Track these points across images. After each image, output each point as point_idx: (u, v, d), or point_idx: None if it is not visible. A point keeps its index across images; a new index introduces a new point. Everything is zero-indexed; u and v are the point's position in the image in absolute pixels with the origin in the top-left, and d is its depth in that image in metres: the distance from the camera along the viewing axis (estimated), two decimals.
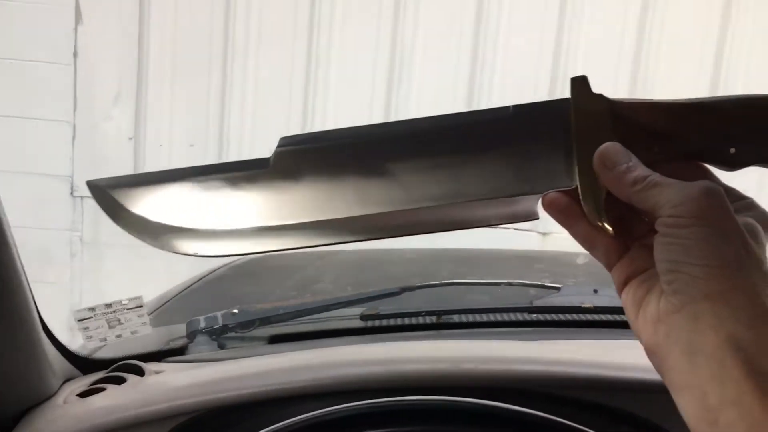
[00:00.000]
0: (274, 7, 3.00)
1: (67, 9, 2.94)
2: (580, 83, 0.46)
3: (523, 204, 0.46)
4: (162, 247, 0.47)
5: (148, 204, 0.46)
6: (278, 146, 0.47)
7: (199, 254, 0.46)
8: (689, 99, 0.46)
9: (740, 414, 0.37)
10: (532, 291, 1.17)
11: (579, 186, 0.45)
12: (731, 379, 0.38)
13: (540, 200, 0.47)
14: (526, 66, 2.99)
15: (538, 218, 0.47)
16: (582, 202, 0.45)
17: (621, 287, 0.46)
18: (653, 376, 0.43)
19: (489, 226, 0.47)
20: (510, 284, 1.14)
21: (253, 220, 0.46)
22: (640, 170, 0.43)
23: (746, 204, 0.45)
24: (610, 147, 0.44)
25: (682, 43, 2.99)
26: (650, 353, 0.43)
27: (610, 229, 0.45)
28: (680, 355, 0.40)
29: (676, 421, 0.42)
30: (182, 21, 2.99)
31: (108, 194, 0.47)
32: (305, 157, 0.46)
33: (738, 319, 0.38)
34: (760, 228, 0.43)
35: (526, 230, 2.91)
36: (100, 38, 2.98)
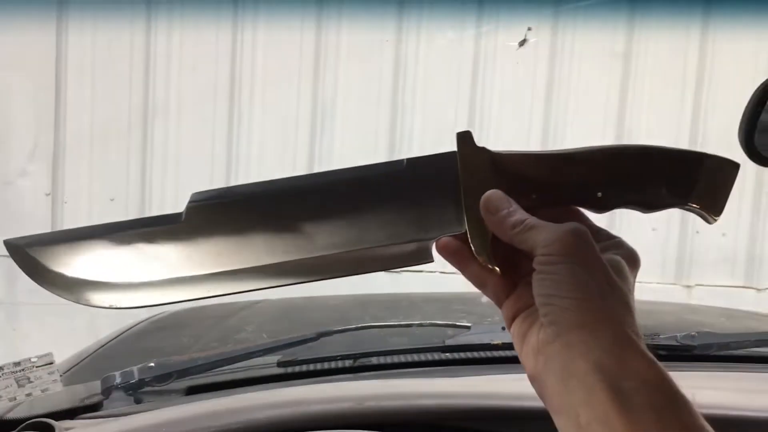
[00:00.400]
0: (195, 67, 3.03)
1: None
2: (464, 137, 0.51)
3: (418, 249, 0.51)
4: (79, 301, 0.49)
5: (65, 260, 0.49)
6: (190, 201, 0.50)
7: (114, 306, 0.48)
8: (561, 150, 0.52)
9: (606, 430, 0.42)
10: (449, 331, 1.22)
11: (468, 230, 0.50)
12: (598, 400, 0.42)
13: (434, 245, 0.51)
14: (444, 114, 3.11)
15: (433, 261, 0.51)
16: (471, 244, 0.50)
17: (509, 322, 0.50)
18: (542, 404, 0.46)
19: (388, 269, 0.51)
20: (422, 325, 1.18)
21: (167, 272, 0.49)
22: (519, 215, 0.48)
23: (615, 243, 0.50)
24: (492, 194, 0.49)
25: (588, 94, 3.17)
26: (532, 381, 0.48)
27: (497, 269, 0.50)
28: (556, 381, 0.45)
29: None
30: (101, 77, 2.97)
31: (25, 252, 0.49)
32: (215, 211, 0.50)
33: (602, 346, 0.43)
34: (624, 264, 0.48)
35: (451, 273, 2.96)
36: (15, 94, 2.93)
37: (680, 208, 0.52)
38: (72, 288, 0.48)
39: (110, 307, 0.48)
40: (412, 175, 0.51)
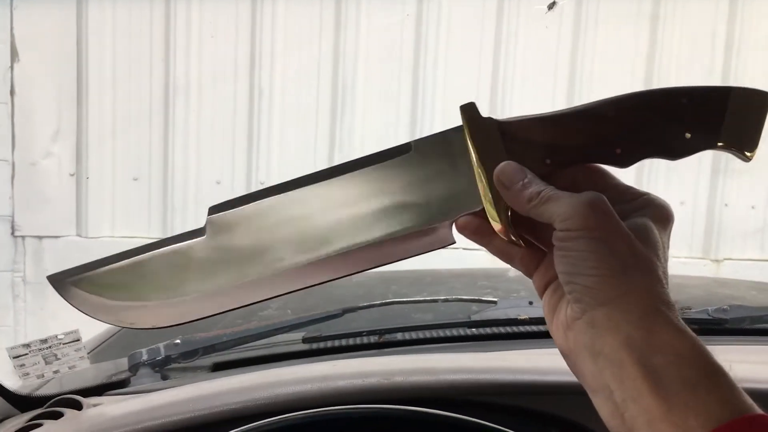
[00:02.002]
0: (215, 41, 3.02)
1: (2, 47, 2.90)
2: (469, 110, 0.49)
3: (438, 232, 0.49)
4: (122, 325, 0.49)
5: (103, 287, 0.49)
6: (208, 215, 0.50)
7: (157, 326, 0.49)
8: (571, 108, 0.48)
9: (639, 409, 0.40)
10: (475, 306, 1.20)
11: (485, 207, 0.47)
12: (629, 378, 0.40)
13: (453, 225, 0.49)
14: (466, 87, 3.07)
15: (454, 242, 0.50)
16: (490, 221, 0.47)
17: (541, 293, 0.48)
18: (574, 378, 0.45)
19: (411, 257, 0.50)
20: (447, 300, 1.17)
21: (199, 287, 0.48)
22: (535, 186, 0.46)
23: (643, 201, 0.47)
24: (505, 167, 0.47)
25: (614, 61, 3.11)
26: (564, 356, 0.46)
27: (521, 242, 0.47)
28: (587, 357, 0.43)
29: (600, 421, 0.43)
30: (122, 54, 2.97)
31: (67, 285, 0.50)
32: (233, 222, 0.49)
33: (630, 321, 0.41)
34: (652, 226, 0.45)
35: (475, 249, 2.95)
36: (38, 75, 2.94)
37: (711, 149, 0.48)
38: (114, 313, 0.49)
39: (153, 328, 0.49)
40: (421, 156, 0.49)
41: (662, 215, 0.46)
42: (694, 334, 0.41)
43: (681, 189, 3.10)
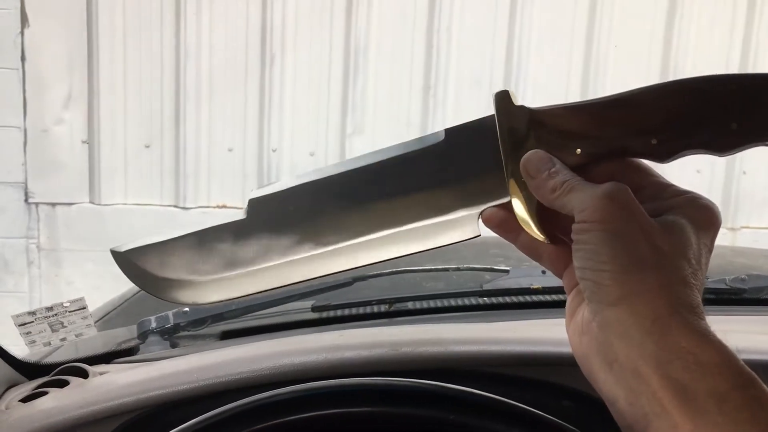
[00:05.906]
0: (226, 5, 2.98)
1: (12, 12, 2.88)
2: (501, 98, 0.47)
3: (464, 223, 0.48)
4: (166, 299, 0.52)
5: (154, 263, 0.52)
6: (249, 201, 0.51)
7: (198, 303, 0.51)
8: (606, 96, 0.46)
9: (663, 425, 0.37)
10: (487, 275, 1.19)
11: (511, 198, 0.46)
12: (648, 390, 0.37)
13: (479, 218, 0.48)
14: (480, 53, 3.02)
15: (479, 235, 0.49)
16: (516, 213, 0.46)
17: (569, 294, 0.46)
18: None
19: (437, 247, 0.49)
20: (459, 269, 1.15)
21: (239, 266, 0.50)
22: (561, 176, 0.43)
23: (685, 200, 0.43)
24: (532, 155, 0.45)
25: (632, 32, 3.04)
26: (579, 362, 0.43)
27: (542, 237, 0.45)
28: (601, 365, 0.40)
29: None
30: (132, 19, 2.95)
31: (125, 257, 0.52)
32: (272, 205, 0.50)
33: (642, 326, 0.38)
34: (685, 225, 0.41)
35: None
36: (48, 40, 2.92)
37: (761, 144, 0.43)
38: (161, 288, 0.51)
39: (194, 304, 0.52)
40: (453, 145, 0.48)
41: (703, 217, 0.42)
42: (720, 341, 0.38)
43: (698, 157, 3.04)
